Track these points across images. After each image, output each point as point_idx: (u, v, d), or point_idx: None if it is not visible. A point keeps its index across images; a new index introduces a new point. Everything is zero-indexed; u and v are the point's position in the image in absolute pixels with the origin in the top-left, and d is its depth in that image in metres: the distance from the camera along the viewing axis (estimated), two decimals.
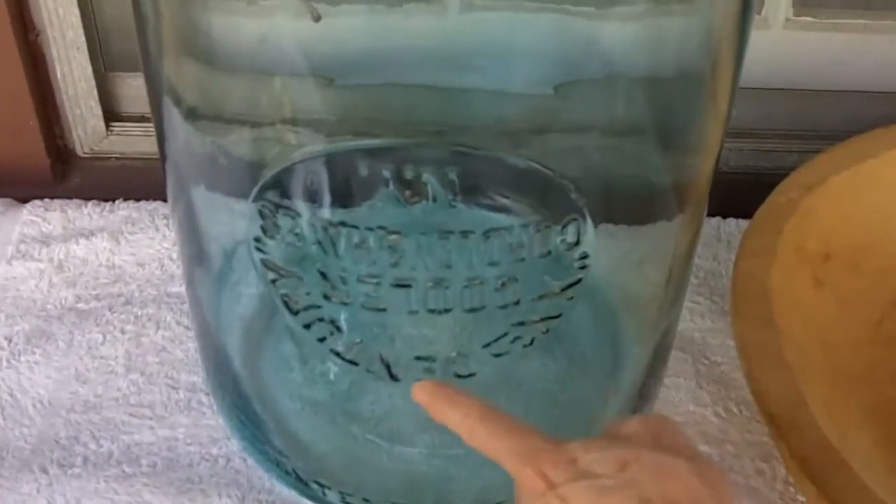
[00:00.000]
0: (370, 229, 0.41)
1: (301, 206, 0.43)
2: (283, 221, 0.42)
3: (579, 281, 0.44)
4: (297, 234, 0.42)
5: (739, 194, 0.66)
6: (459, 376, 0.47)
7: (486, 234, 0.41)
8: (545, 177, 0.41)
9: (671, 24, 0.44)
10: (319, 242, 0.42)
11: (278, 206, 0.42)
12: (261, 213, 0.43)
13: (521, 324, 0.45)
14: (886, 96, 0.78)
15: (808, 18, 0.77)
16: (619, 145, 0.47)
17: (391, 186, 0.40)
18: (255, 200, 0.42)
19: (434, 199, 0.40)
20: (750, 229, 0.61)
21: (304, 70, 0.42)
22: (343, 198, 0.42)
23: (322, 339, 0.47)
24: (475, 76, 0.42)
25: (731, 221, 0.74)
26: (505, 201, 0.43)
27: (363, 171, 0.40)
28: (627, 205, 0.51)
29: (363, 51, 0.42)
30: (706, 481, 0.37)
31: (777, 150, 0.77)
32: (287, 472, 0.56)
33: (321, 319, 0.46)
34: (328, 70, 0.42)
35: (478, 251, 0.41)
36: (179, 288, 0.67)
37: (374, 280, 0.43)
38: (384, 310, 0.44)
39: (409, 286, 0.43)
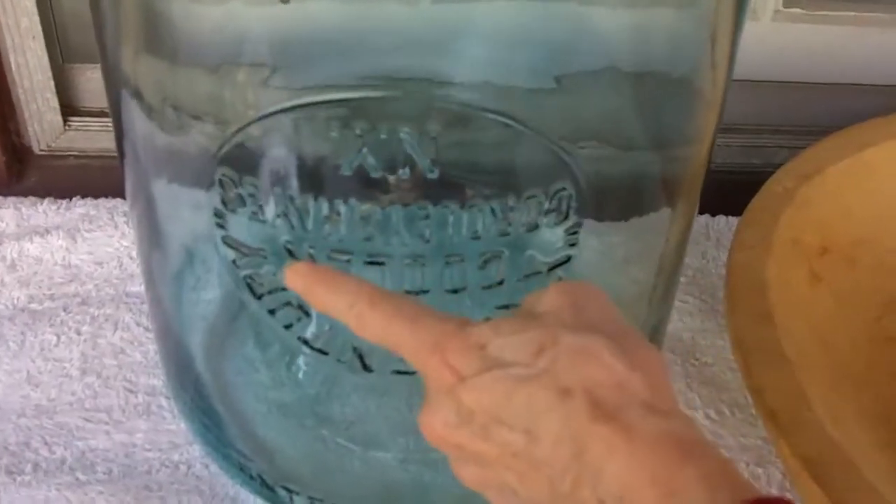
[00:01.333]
0: (341, 199, 0.37)
1: (264, 173, 0.39)
2: (245, 191, 0.39)
3: (569, 259, 0.41)
4: (260, 207, 0.39)
5: (729, 191, 0.64)
6: None
7: (468, 204, 0.38)
8: (534, 139, 0.37)
9: (662, 13, 0.42)
10: (285, 215, 0.38)
11: (240, 175, 0.38)
12: (220, 183, 0.39)
13: (506, 307, 0.42)
14: (878, 89, 0.76)
15: (798, 10, 0.75)
16: (607, 137, 0.44)
17: (364, 150, 0.36)
18: (215, 167, 0.38)
19: (412, 165, 0.37)
20: (744, 220, 0.58)
21: (268, 59, 0.39)
22: (311, 164, 0.39)
23: (289, 326, 0.43)
24: (454, 63, 0.39)
25: (721, 219, 0.72)
26: (489, 167, 0.39)
27: (333, 131, 0.36)
28: (615, 200, 0.48)
29: (331, 39, 0.38)
30: (635, 364, 0.33)
31: (767, 145, 0.76)
32: (252, 478, 0.52)
33: (288, 304, 0.42)
34: (294, 58, 0.39)
35: (458, 224, 0.38)
36: (139, 287, 0.63)
37: (345, 257, 0.39)
38: None
39: (382, 263, 0.39)
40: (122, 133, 0.47)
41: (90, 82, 0.72)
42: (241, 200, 0.39)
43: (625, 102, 0.44)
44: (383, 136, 0.36)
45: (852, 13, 0.74)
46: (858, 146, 0.61)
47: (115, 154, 0.50)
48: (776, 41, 0.75)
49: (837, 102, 0.75)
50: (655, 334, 0.55)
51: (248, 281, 0.42)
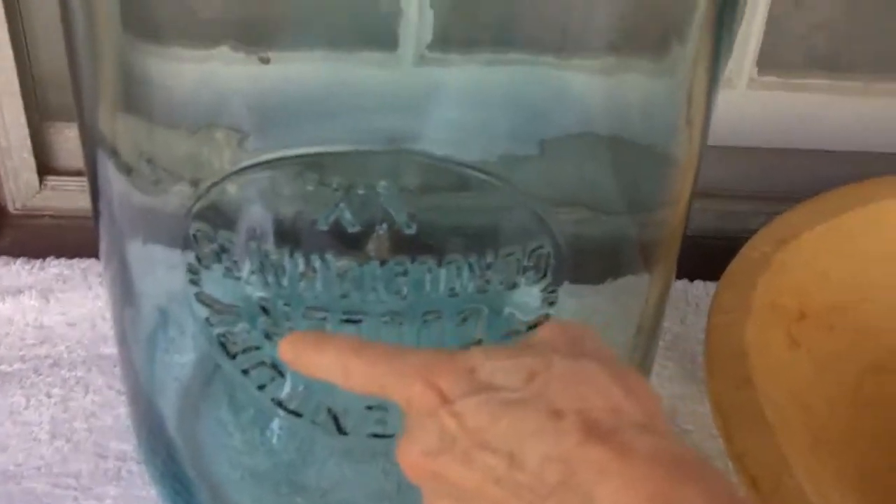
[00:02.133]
0: (317, 255, 0.37)
1: (239, 228, 0.38)
2: (220, 247, 0.38)
3: (547, 318, 0.40)
4: (235, 262, 0.38)
5: (706, 257, 0.64)
6: None
7: (446, 260, 0.37)
8: (512, 196, 0.37)
9: (637, 79, 0.42)
10: (260, 271, 0.38)
11: (214, 230, 0.38)
12: (195, 238, 0.38)
13: None
14: (853, 155, 0.76)
15: (773, 78, 0.75)
16: (584, 200, 0.44)
17: (341, 205, 0.36)
18: (190, 222, 0.38)
19: (389, 221, 0.36)
20: (722, 284, 0.58)
21: (247, 119, 0.38)
22: (287, 219, 0.38)
23: (262, 387, 0.42)
24: (435, 124, 0.38)
25: (699, 284, 0.71)
26: (467, 223, 0.39)
27: (309, 185, 0.36)
28: (592, 262, 0.48)
29: (311, 99, 0.38)
30: (629, 389, 0.32)
31: (743, 211, 0.75)
32: None
33: (262, 363, 0.42)
34: (272, 118, 0.38)
35: (436, 280, 0.37)
36: (112, 349, 0.62)
37: (321, 315, 0.38)
38: None
39: (359, 321, 0.39)
40: (97, 192, 0.47)
41: (68, 141, 0.72)
42: (216, 256, 0.39)
43: (602, 167, 0.44)
44: (360, 192, 0.36)
45: (827, 81, 0.75)
46: (834, 211, 0.62)
47: (91, 214, 0.49)
48: (752, 108, 0.76)
49: (813, 168, 0.75)
50: None
51: (222, 339, 0.42)
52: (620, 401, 0.31)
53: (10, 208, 0.73)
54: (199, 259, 0.39)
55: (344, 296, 0.38)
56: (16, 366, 0.62)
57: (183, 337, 0.51)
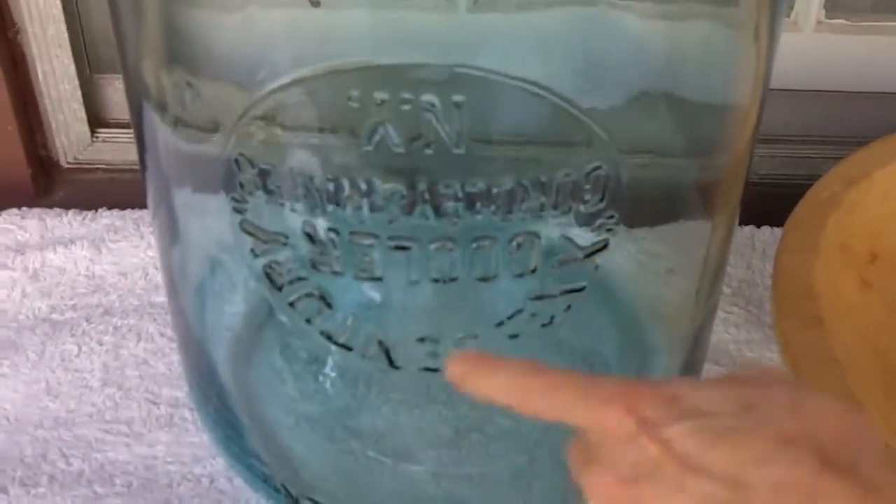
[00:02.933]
0: (362, 178, 0.35)
1: (280, 151, 0.37)
2: (262, 171, 0.37)
3: (606, 245, 0.39)
4: (278, 188, 0.37)
5: (774, 202, 0.62)
6: None
7: (498, 182, 0.35)
8: (568, 112, 0.35)
9: (697, 23, 0.40)
10: (304, 196, 0.36)
11: (256, 153, 0.36)
12: (237, 163, 0.37)
13: (540, 298, 0.40)
14: None
15: (841, 21, 0.72)
16: (643, 146, 0.42)
17: (385, 124, 0.34)
18: (232, 146, 0.37)
19: (437, 140, 0.34)
20: (790, 224, 0.56)
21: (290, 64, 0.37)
22: (329, 140, 0.37)
23: (309, 321, 0.41)
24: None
25: (766, 230, 0.69)
26: (519, 141, 0.37)
27: (353, 102, 0.34)
28: (651, 207, 0.46)
29: (360, 47, 0.36)
30: (857, 423, 0.30)
31: (812, 156, 0.73)
32: (276, 490, 0.50)
33: (309, 294, 0.40)
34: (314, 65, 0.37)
35: (488, 202, 0.36)
36: (164, 298, 0.61)
37: (369, 241, 0.37)
38: (380, 279, 0.38)
39: (408, 248, 0.37)
40: (143, 144, 0.46)
41: (118, 93, 0.71)
42: (259, 182, 0.37)
43: (661, 112, 0.42)
44: (406, 108, 0.34)
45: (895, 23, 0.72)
46: None
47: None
48: (819, 51, 0.73)
49: (882, 112, 0.73)
50: (699, 344, 0.53)
51: (268, 271, 0.40)
52: (852, 434, 0.30)
53: (62, 162, 0.73)
54: (241, 185, 0.38)
55: (391, 221, 0.36)
56: (67, 315, 0.61)
57: (233, 285, 0.51)
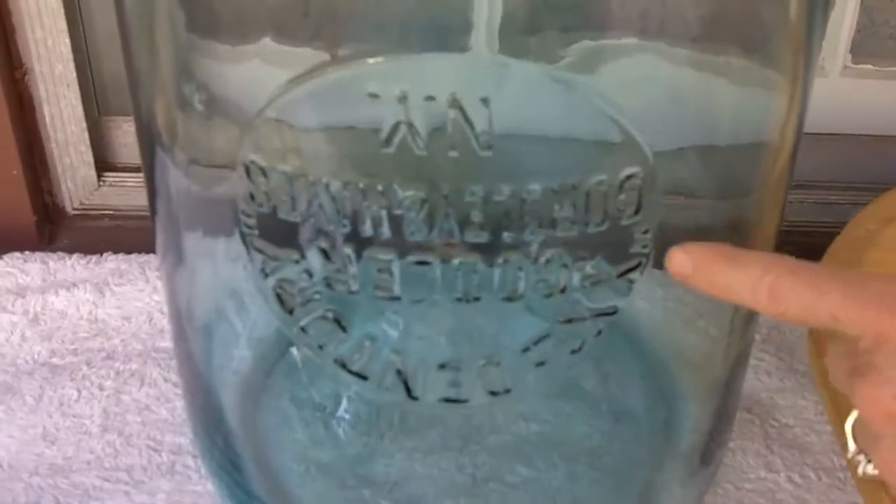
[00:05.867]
0: (379, 184, 0.33)
1: (292, 156, 0.34)
2: (275, 180, 0.34)
3: (641, 263, 0.36)
4: (292, 199, 0.34)
5: (803, 248, 0.59)
6: (493, 393, 0.38)
7: (526, 187, 0.33)
8: (600, 116, 0.33)
9: (731, 71, 0.38)
10: (320, 205, 0.34)
11: (267, 163, 0.34)
12: (247, 171, 0.35)
13: (570, 321, 0.37)
14: None
15: (868, 66, 0.71)
16: (676, 189, 0.40)
17: (405, 125, 0.32)
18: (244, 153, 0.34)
19: (462, 141, 0.32)
20: (826, 261, 0.54)
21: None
22: (344, 142, 0.34)
23: (322, 346, 0.38)
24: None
25: None
26: (549, 142, 0.35)
27: (369, 100, 0.32)
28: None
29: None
30: None
31: (840, 202, 0.71)
32: None
33: (322, 317, 0.38)
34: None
35: (515, 211, 0.33)
36: (169, 343, 0.59)
37: (387, 255, 0.34)
38: (398, 298, 0.36)
39: (428, 263, 0.35)
40: (154, 187, 0.45)
41: (125, 136, 0.69)
42: (270, 193, 0.35)
43: (694, 157, 0.40)
44: (427, 103, 0.31)
45: None
46: None
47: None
48: (846, 96, 0.72)
49: None
50: (730, 392, 0.50)
51: (278, 291, 0.38)
52: None
53: (68, 208, 0.71)
54: (252, 197, 0.35)
55: (412, 233, 0.34)
56: (68, 359, 0.59)
57: (242, 328, 0.49)
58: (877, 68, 0.72)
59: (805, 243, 0.58)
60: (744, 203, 0.44)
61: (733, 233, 0.45)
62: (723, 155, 0.41)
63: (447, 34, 0.32)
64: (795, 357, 0.60)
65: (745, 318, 0.48)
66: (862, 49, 0.71)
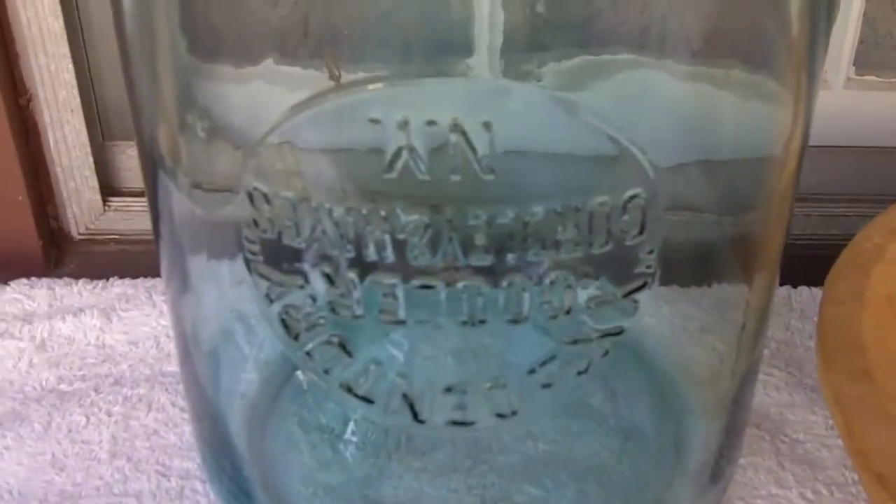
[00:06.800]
0: (382, 209, 0.33)
1: (295, 180, 0.34)
2: (279, 206, 0.34)
3: (645, 284, 0.36)
4: (295, 224, 0.34)
5: (809, 262, 0.59)
6: (500, 416, 0.38)
7: (529, 210, 0.33)
8: (602, 137, 0.33)
9: (733, 84, 0.38)
10: (323, 230, 0.34)
11: (271, 188, 0.34)
12: (250, 198, 0.35)
13: (575, 342, 0.37)
14: None
15: (871, 77, 0.71)
16: (678, 204, 0.40)
17: (407, 149, 0.32)
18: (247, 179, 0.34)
19: (464, 165, 0.32)
20: (833, 274, 0.54)
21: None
22: (346, 167, 0.34)
23: (328, 371, 0.38)
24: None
25: (804, 290, 0.66)
26: (551, 165, 0.35)
27: (371, 123, 0.32)
28: (685, 267, 0.43)
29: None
30: None
31: (847, 214, 0.71)
32: None
33: (327, 342, 0.38)
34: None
35: (519, 234, 0.33)
36: (176, 367, 0.59)
37: (391, 279, 0.34)
38: (404, 322, 0.36)
39: (432, 287, 0.34)
40: (157, 211, 0.45)
41: (130, 160, 0.69)
42: (273, 218, 0.35)
43: (696, 171, 0.40)
44: (429, 128, 0.31)
45: None
46: None
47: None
48: (850, 108, 0.72)
49: None
50: (739, 408, 0.50)
51: (283, 317, 0.38)
52: None
53: (74, 233, 0.71)
54: (256, 223, 0.35)
55: (416, 257, 0.34)
56: (76, 385, 0.59)
57: (248, 351, 0.49)
58: (881, 79, 0.72)
59: (811, 256, 0.58)
60: (749, 218, 0.44)
61: (739, 248, 0.45)
62: (727, 170, 0.41)
63: (447, 57, 0.32)
64: (804, 372, 0.59)
65: (754, 334, 0.48)
66: (865, 61, 0.71)
